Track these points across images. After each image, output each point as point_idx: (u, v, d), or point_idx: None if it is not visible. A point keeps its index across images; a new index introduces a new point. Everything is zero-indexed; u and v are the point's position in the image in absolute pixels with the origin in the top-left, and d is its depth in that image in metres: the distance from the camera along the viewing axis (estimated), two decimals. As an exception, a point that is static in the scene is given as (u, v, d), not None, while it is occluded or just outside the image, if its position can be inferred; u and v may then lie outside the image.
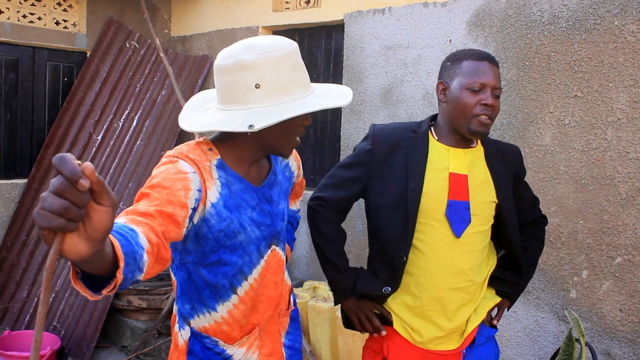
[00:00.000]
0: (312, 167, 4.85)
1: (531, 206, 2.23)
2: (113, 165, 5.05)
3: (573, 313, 2.95)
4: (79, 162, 0.83)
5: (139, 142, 5.09)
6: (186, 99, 4.86)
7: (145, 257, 1.21)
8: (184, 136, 5.22)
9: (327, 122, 4.72)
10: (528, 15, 3.34)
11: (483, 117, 1.87)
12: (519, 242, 2.09)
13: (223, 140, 1.64)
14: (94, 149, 5.11)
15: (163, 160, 1.53)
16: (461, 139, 1.98)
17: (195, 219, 1.52)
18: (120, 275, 1.06)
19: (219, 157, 1.61)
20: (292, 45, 1.57)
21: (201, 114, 1.64)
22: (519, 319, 3.40)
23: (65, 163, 0.81)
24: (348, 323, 2.12)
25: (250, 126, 1.46)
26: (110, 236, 1.06)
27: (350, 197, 2.06)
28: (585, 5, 3.12)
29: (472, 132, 1.91)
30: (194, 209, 1.48)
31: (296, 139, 1.66)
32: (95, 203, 0.87)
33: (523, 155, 3.32)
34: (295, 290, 4.16)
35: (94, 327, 4.46)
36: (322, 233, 2.06)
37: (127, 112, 5.20)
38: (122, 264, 1.06)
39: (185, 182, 1.46)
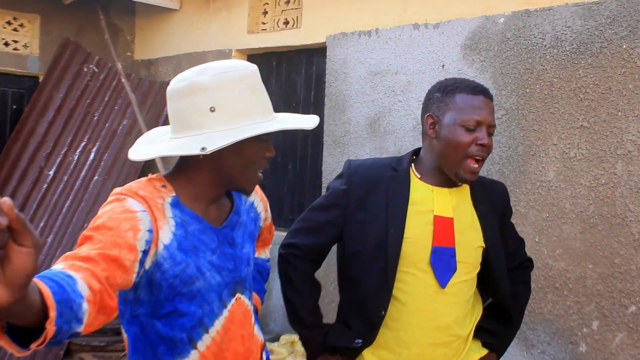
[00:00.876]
0: (290, 205, 4.82)
1: (517, 249, 2.23)
2: (67, 204, 4.99)
3: (583, 369, 2.92)
4: None
5: (96, 177, 5.04)
6: (150, 128, 4.84)
7: (86, 305, 1.18)
8: (147, 170, 5.18)
9: (307, 155, 4.72)
10: (528, 38, 3.39)
11: (473, 161, 1.89)
12: (508, 290, 2.09)
13: (178, 176, 1.64)
14: (45, 185, 5.05)
15: (109, 198, 1.52)
16: (446, 178, 1.98)
17: (147, 264, 1.50)
18: (50, 327, 1.03)
19: (174, 194, 1.60)
20: (250, 67, 1.59)
21: (154, 146, 1.64)
22: (523, 377, 3.36)
23: None
24: None
25: (203, 148, 1.46)
26: (39, 282, 1.04)
27: (326, 242, 2.06)
28: (591, 27, 3.17)
29: (460, 178, 1.92)
30: (145, 252, 1.46)
31: (258, 174, 1.66)
32: (16, 244, 0.85)
33: (525, 192, 3.41)
34: (271, 346, 4.09)
35: (40, 389, 4.34)
36: (294, 286, 2.05)
37: (83, 144, 5.17)
38: (52, 314, 1.03)
39: (134, 222, 1.44)
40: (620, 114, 3.07)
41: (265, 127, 1.54)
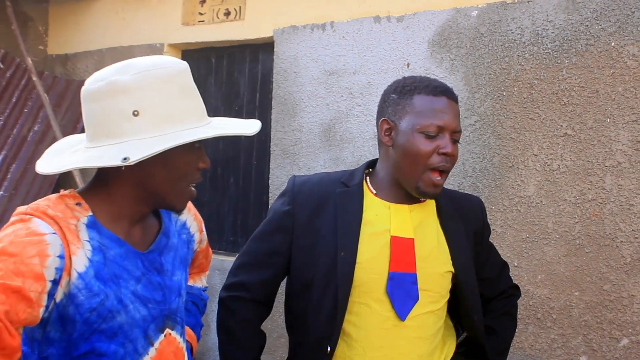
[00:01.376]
0: (232, 225, 4.80)
1: (499, 274, 2.23)
2: None
3: (571, 412, 2.90)
4: None
5: (1, 192, 4.99)
6: (67, 135, 4.75)
7: None
8: (63, 185, 5.09)
9: (251, 167, 4.70)
10: (505, 34, 3.40)
11: (436, 173, 1.88)
12: (482, 323, 2.07)
13: (95, 192, 1.61)
14: (-61, 201, 4.92)
15: (12, 219, 1.49)
16: (406, 193, 1.98)
17: (58, 296, 1.47)
18: None
19: (90, 213, 1.57)
20: (179, 65, 1.59)
21: (65, 157, 1.62)
22: (501, 421, 3.33)
23: None
24: None
25: (125, 159, 1.44)
26: None
27: (274, 277, 2.04)
28: (575, 22, 3.19)
29: (420, 192, 1.91)
30: (55, 282, 1.44)
31: (190, 188, 1.65)
32: None
33: (501, 210, 3.38)
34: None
35: None
36: (234, 337, 2.02)
37: None
38: None
39: (41, 247, 1.42)
40: (608, 120, 3.09)
41: (197, 134, 1.54)
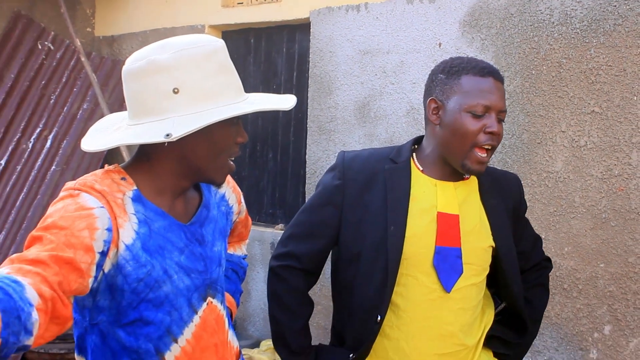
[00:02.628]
0: (271, 198, 4.81)
1: (532, 247, 2.22)
2: (21, 197, 4.96)
3: (595, 378, 2.93)
4: None
5: (53, 167, 5.01)
6: (114, 112, 4.81)
7: (36, 315, 1.17)
8: (111, 160, 5.13)
9: (289, 143, 4.71)
10: (534, 14, 3.37)
11: (482, 151, 1.87)
12: (521, 294, 2.08)
13: (139, 167, 1.62)
14: (-4, 176, 5.01)
15: (62, 194, 1.49)
16: (452, 171, 1.97)
17: (107, 267, 1.48)
18: None
19: (135, 187, 1.58)
20: (216, 43, 1.57)
21: (109, 134, 1.62)
22: (528, 386, 3.37)
23: None
24: None
25: (167, 135, 1.44)
26: None
27: (324, 247, 2.04)
28: (604, 2, 3.15)
29: (467, 169, 1.90)
30: (104, 254, 1.45)
31: (229, 162, 1.64)
32: None
33: (530, 184, 3.38)
34: (250, 352, 4.08)
35: (-8, 403, 4.30)
36: (285, 304, 2.03)
37: (38, 130, 5.14)
38: None
39: (90, 220, 1.42)
40: (635, 98, 3.06)
41: (235, 109, 1.53)
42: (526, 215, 2.23)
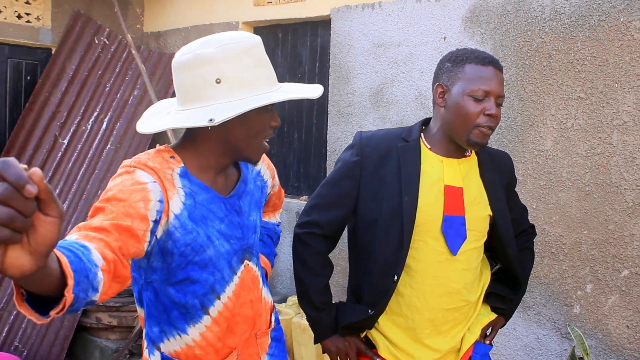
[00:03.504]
0: (296, 173, 4.83)
1: (520, 216, 2.23)
2: (80, 172, 5.00)
3: (577, 330, 2.94)
4: (25, 166, 0.81)
5: (108, 146, 5.05)
6: (160, 99, 4.82)
7: (101, 275, 1.18)
8: (159, 140, 5.19)
9: (312, 125, 4.71)
10: (528, 11, 3.35)
11: (484, 128, 1.85)
12: (516, 256, 2.08)
13: (186, 147, 1.63)
14: (60, 154, 5.06)
15: (119, 171, 1.51)
16: (455, 148, 1.96)
17: (159, 233, 1.50)
18: (69, 294, 1.03)
19: (182, 165, 1.59)
20: (254, 39, 1.57)
21: (160, 118, 1.63)
22: (519, 337, 3.39)
23: (10, 167, 0.79)
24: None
25: (211, 120, 1.45)
26: (57, 252, 1.04)
27: (344, 216, 2.02)
28: (589, 1, 3.13)
29: (472, 143, 1.88)
30: (156, 222, 1.46)
31: (264, 143, 1.64)
32: (42, 213, 0.84)
33: (523, 161, 3.39)
34: (278, 307, 4.11)
35: (60, 347, 4.40)
36: (308, 266, 2.03)
37: (96, 113, 5.17)
38: (70, 282, 1.03)
39: (144, 193, 1.44)
40: (616, 85, 3.05)
41: (271, 98, 1.53)
42: (519, 188, 2.22)
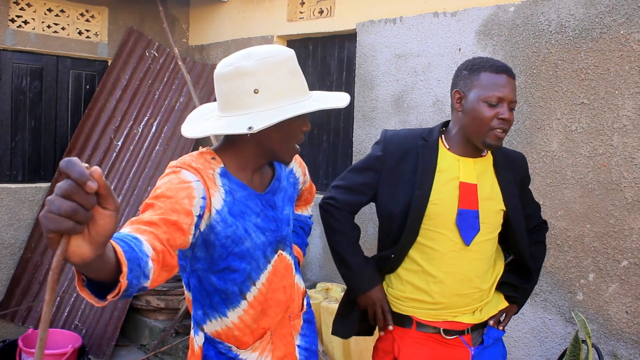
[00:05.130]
0: (325, 171, 4.86)
1: (534, 212, 2.20)
2: (133, 170, 5.09)
3: (580, 315, 2.94)
4: (87, 165, 0.84)
5: (157, 147, 5.12)
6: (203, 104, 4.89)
7: (151, 264, 1.19)
8: (201, 142, 5.25)
9: (339, 128, 4.73)
10: (536, 25, 3.35)
11: (498, 130, 1.85)
12: (527, 248, 2.07)
13: (225, 149, 1.63)
14: (115, 154, 5.15)
15: (167, 171, 1.52)
16: (472, 149, 1.95)
17: (202, 227, 1.51)
18: (124, 280, 1.05)
19: (222, 165, 1.60)
20: (289, 52, 1.57)
21: (203, 122, 1.63)
22: (527, 321, 3.40)
23: (74, 166, 0.81)
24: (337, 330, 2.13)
25: (250, 128, 1.45)
26: (113, 242, 1.06)
27: (361, 201, 2.04)
28: (592, 15, 3.12)
29: (487, 145, 1.88)
30: (200, 217, 1.47)
31: (296, 146, 1.64)
32: (100, 207, 0.87)
33: (531, 161, 3.37)
34: (308, 292, 4.16)
35: (114, 326, 4.51)
36: (335, 228, 2.03)
37: (146, 118, 5.24)
38: (125, 269, 1.05)
39: (189, 191, 1.44)
40: (617, 92, 3.04)
41: (305, 107, 1.53)
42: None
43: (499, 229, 2.01)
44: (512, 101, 1.85)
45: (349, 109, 4.53)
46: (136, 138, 5.19)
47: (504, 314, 2.12)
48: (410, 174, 1.93)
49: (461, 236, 1.91)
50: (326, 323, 3.78)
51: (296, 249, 2.01)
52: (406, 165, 1.95)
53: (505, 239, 2.06)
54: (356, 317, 2.10)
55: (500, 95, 1.83)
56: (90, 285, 1.05)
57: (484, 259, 1.97)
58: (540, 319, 3.35)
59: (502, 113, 1.83)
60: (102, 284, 1.05)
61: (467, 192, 1.91)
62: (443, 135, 2.00)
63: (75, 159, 0.82)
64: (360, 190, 2.02)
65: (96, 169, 0.84)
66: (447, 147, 1.97)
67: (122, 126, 5.21)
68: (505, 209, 1.97)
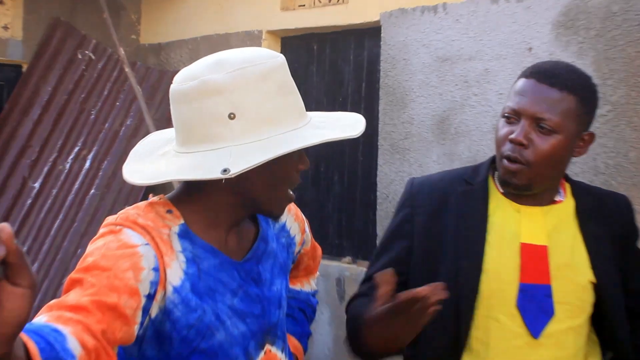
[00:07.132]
0: (337, 227, 4.83)
1: None
2: (56, 224, 5.04)
3: None
4: None
5: (92, 191, 5.07)
6: (161, 129, 4.89)
7: None
8: (158, 186, 5.20)
9: (357, 164, 4.72)
10: (641, 13, 3.34)
11: (505, 160, 1.85)
12: (628, 340, 1.98)
13: (187, 199, 1.62)
14: (30, 200, 5.12)
15: (101, 230, 1.50)
16: (540, 192, 1.94)
17: (153, 312, 1.49)
18: None
19: (182, 221, 1.58)
20: (276, 59, 1.57)
21: (154, 161, 1.62)
22: None
23: None
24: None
25: (225, 171, 1.44)
26: (24, 337, 1.04)
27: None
28: None
29: (502, 182, 1.91)
30: (150, 297, 1.45)
31: (289, 193, 1.64)
32: (8, 283, 0.86)
33: (639, 210, 3.28)
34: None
35: None
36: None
37: (77, 149, 5.21)
38: None
39: (134, 259, 1.43)
40: None
41: (301, 139, 1.53)
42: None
43: (588, 312, 1.95)
44: (536, 117, 1.83)
45: (371, 136, 4.50)
46: (62, 177, 5.15)
47: None
48: (450, 234, 1.94)
49: (526, 324, 1.88)
50: None
51: (293, 341, 1.99)
52: (443, 223, 1.96)
53: (599, 327, 2.00)
54: None
55: (514, 107, 1.85)
56: None
57: (565, 358, 1.92)
58: None
59: (512, 132, 1.83)
60: None
61: (533, 258, 1.90)
62: (496, 174, 1.99)
63: None
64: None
65: (5, 227, 0.83)
66: (502, 191, 1.96)
67: (41, 160, 5.19)
68: (595, 281, 1.92)
